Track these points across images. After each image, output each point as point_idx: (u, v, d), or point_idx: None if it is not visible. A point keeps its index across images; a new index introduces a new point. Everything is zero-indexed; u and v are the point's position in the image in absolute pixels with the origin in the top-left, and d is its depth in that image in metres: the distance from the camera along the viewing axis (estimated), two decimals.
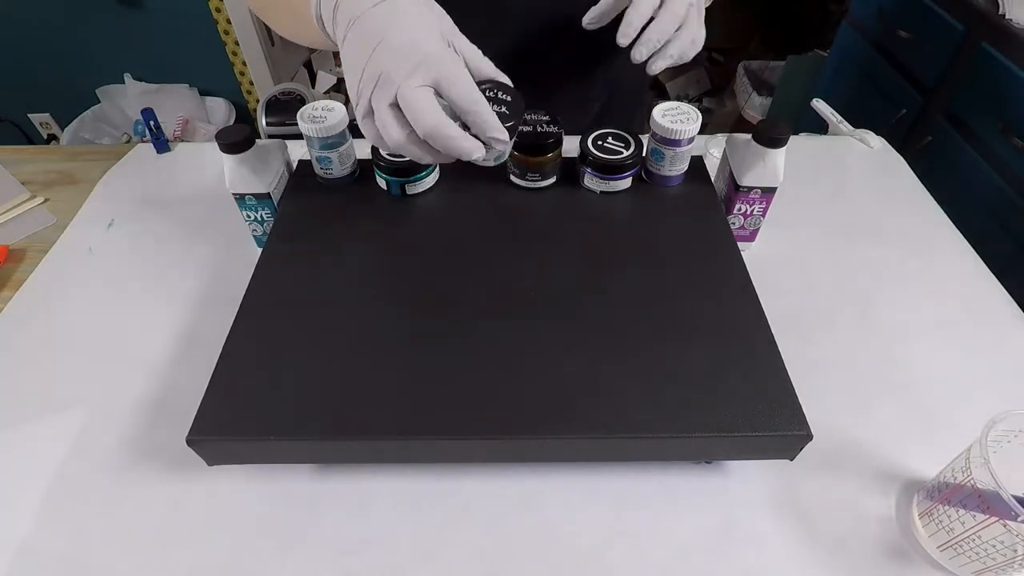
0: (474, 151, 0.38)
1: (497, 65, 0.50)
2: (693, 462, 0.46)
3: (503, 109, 0.40)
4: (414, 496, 0.44)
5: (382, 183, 0.57)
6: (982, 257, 0.63)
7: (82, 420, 0.49)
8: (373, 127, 0.38)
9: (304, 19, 0.44)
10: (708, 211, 0.56)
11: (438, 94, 0.37)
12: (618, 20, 0.47)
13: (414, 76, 0.36)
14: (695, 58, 0.52)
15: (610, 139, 0.56)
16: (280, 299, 0.48)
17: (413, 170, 0.55)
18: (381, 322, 0.46)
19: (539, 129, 0.55)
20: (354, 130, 0.58)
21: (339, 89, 2.03)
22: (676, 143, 0.54)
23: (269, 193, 0.56)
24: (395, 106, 0.37)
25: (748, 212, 0.59)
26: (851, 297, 0.59)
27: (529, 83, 0.56)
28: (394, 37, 0.36)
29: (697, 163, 0.60)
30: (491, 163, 0.45)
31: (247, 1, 0.59)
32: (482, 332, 0.45)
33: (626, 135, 0.57)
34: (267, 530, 0.43)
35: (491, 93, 0.40)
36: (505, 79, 0.42)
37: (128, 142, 1.74)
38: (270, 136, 1.68)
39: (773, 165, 0.55)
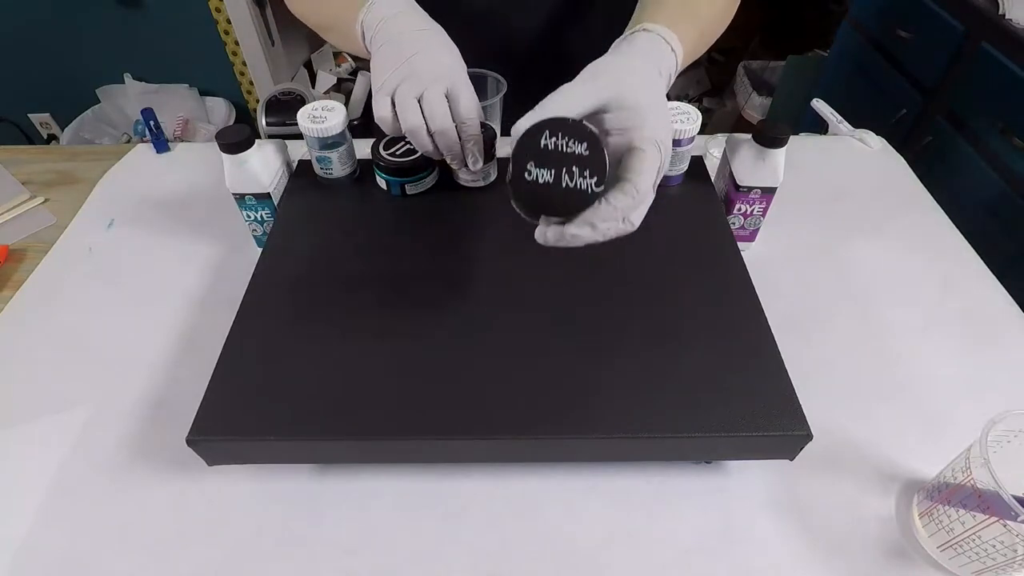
0: (461, 157, 0.49)
1: (495, 66, 0.58)
2: (693, 462, 0.46)
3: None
4: (414, 496, 0.44)
5: (382, 183, 0.57)
6: (982, 257, 0.63)
7: (82, 420, 0.49)
8: (390, 109, 0.47)
9: (348, 36, 0.53)
10: (708, 211, 0.56)
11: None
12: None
13: (438, 83, 0.46)
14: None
15: None
16: (280, 299, 0.48)
17: (413, 170, 0.55)
18: (381, 322, 0.46)
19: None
20: (354, 130, 0.58)
21: (339, 89, 2.03)
22: (676, 143, 0.54)
23: (269, 193, 0.56)
24: (417, 100, 0.46)
25: (748, 212, 0.59)
26: (851, 297, 0.59)
27: (525, 88, 0.57)
28: (430, 53, 0.47)
29: (697, 163, 0.60)
30: (474, 181, 0.55)
31: (296, 11, 0.62)
32: (482, 332, 0.45)
33: None
34: (267, 530, 0.43)
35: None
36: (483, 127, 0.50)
37: (128, 142, 1.74)
38: (270, 136, 1.68)
39: (773, 165, 0.55)
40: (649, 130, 0.36)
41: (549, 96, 0.37)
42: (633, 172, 0.35)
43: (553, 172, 0.34)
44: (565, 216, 0.35)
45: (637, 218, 0.37)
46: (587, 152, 0.34)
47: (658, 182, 0.37)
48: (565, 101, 0.36)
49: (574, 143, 0.34)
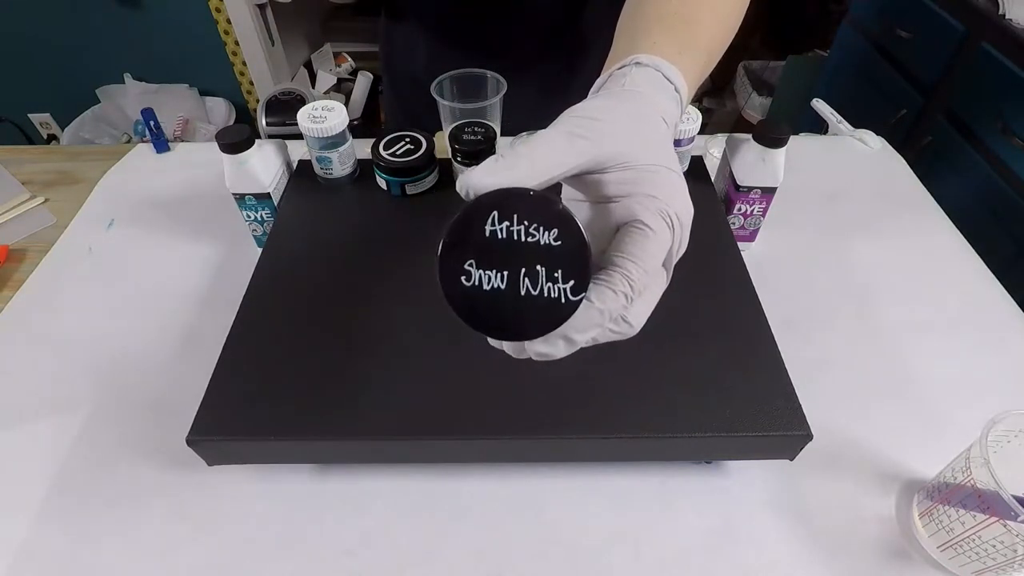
0: None
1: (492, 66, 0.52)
2: (693, 462, 0.46)
3: None
4: (414, 496, 0.44)
5: (382, 183, 0.57)
6: (982, 257, 0.63)
7: (82, 420, 0.49)
8: None
9: None
10: (708, 211, 0.55)
11: None
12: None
13: None
14: None
15: None
16: (280, 299, 0.48)
17: (413, 170, 0.55)
18: (381, 322, 0.46)
19: None
20: (354, 130, 0.58)
21: (339, 89, 2.03)
22: (676, 143, 0.54)
23: (269, 193, 0.56)
24: None
25: (748, 212, 0.59)
26: (851, 297, 0.59)
27: (523, 89, 0.57)
28: None
29: (697, 163, 0.60)
30: None
31: None
32: None
33: None
34: (267, 530, 0.43)
35: None
36: None
37: (128, 142, 1.74)
38: (270, 136, 1.68)
39: (773, 165, 0.55)
40: (661, 200, 0.27)
41: (511, 149, 0.26)
42: (628, 256, 0.25)
43: (506, 275, 0.23)
44: (528, 337, 0.25)
45: (638, 318, 0.27)
46: (558, 242, 0.23)
47: (672, 266, 0.28)
48: (536, 159, 0.25)
49: (538, 229, 0.23)
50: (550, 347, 0.25)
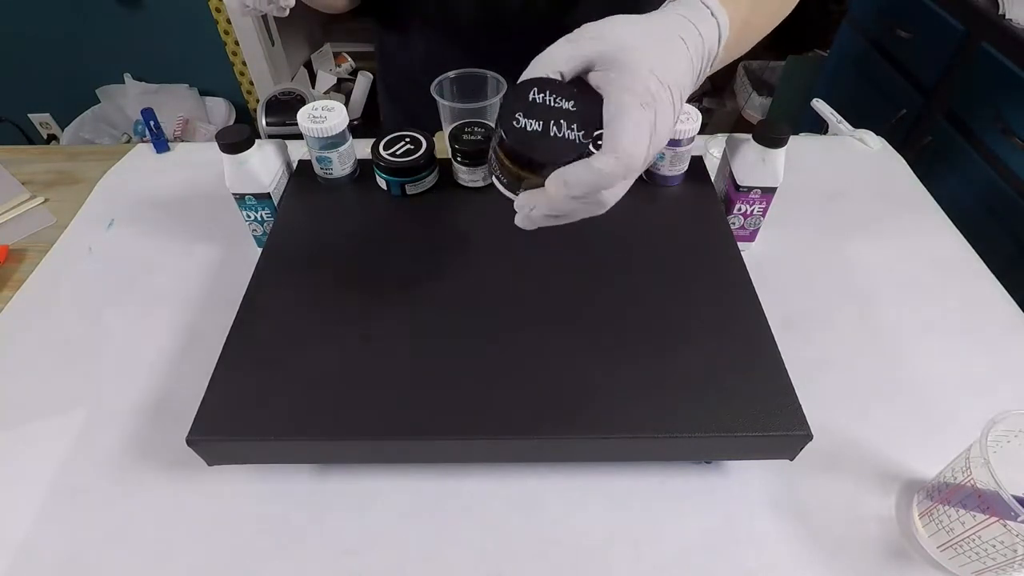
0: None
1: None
2: (693, 462, 0.46)
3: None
4: (414, 496, 0.44)
5: (382, 183, 0.57)
6: (982, 257, 0.63)
7: (82, 420, 0.49)
8: None
9: None
10: (708, 211, 0.55)
11: None
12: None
13: None
14: None
15: None
16: (280, 299, 0.48)
17: (413, 170, 0.55)
18: (381, 322, 0.46)
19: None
20: (354, 130, 0.58)
21: (339, 89, 2.03)
22: (676, 143, 0.54)
23: (269, 193, 0.56)
24: None
25: (748, 212, 0.59)
26: (851, 297, 0.59)
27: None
28: None
29: (697, 163, 0.60)
30: (473, 182, 0.53)
31: None
32: (482, 332, 0.45)
33: None
34: (267, 530, 0.43)
35: None
36: None
37: (128, 142, 1.74)
38: (270, 136, 1.68)
39: (773, 165, 0.55)
40: (628, 81, 0.32)
41: (536, 58, 0.35)
42: (608, 133, 0.32)
43: (541, 123, 0.34)
44: (557, 163, 0.34)
45: (611, 195, 0.34)
46: (574, 109, 0.34)
47: (655, 148, 0.33)
48: (544, 64, 0.34)
49: (562, 100, 0.34)
50: (551, 184, 0.33)
